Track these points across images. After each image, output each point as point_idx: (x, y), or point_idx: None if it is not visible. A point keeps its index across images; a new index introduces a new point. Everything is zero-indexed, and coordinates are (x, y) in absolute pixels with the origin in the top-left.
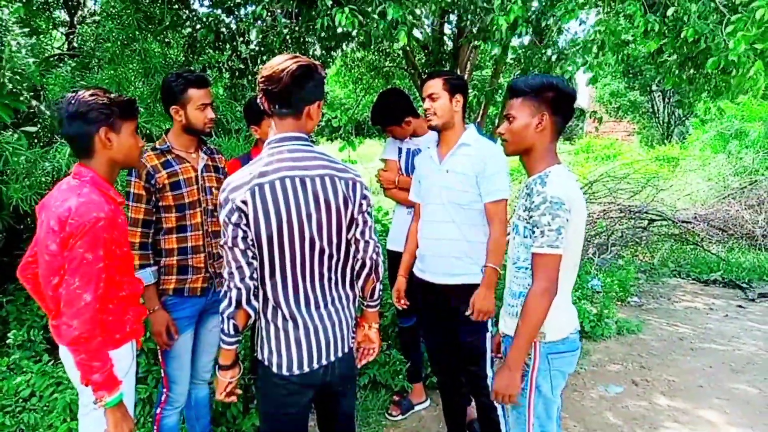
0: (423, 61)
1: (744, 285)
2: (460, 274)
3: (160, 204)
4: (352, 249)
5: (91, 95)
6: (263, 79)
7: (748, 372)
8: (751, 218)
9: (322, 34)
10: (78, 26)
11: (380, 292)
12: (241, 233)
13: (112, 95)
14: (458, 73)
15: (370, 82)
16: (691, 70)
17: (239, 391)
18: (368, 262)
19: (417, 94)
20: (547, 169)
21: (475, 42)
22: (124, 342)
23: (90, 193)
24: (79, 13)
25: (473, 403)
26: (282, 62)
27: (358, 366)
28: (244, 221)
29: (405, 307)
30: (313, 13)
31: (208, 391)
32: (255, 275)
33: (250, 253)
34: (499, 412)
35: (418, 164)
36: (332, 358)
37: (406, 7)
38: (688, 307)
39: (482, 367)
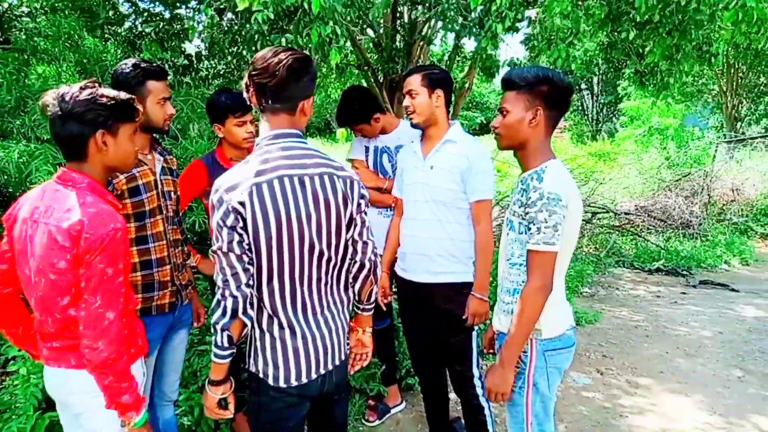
0: (375, 57)
1: (684, 272)
2: (444, 273)
3: None
4: (350, 251)
5: (89, 93)
6: (256, 71)
7: (700, 355)
8: (687, 209)
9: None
10: (6, 19)
11: (376, 295)
12: (236, 237)
13: (111, 93)
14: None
15: (322, 79)
16: (677, 39)
17: (231, 411)
18: (367, 264)
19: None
20: (543, 164)
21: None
22: (137, 357)
23: (97, 203)
24: (5, 4)
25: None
26: (277, 54)
27: (351, 372)
28: (241, 224)
29: (386, 302)
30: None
31: (174, 411)
32: (251, 282)
33: (246, 258)
34: (486, 412)
35: (401, 158)
36: (330, 367)
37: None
38: (636, 296)
39: (468, 366)
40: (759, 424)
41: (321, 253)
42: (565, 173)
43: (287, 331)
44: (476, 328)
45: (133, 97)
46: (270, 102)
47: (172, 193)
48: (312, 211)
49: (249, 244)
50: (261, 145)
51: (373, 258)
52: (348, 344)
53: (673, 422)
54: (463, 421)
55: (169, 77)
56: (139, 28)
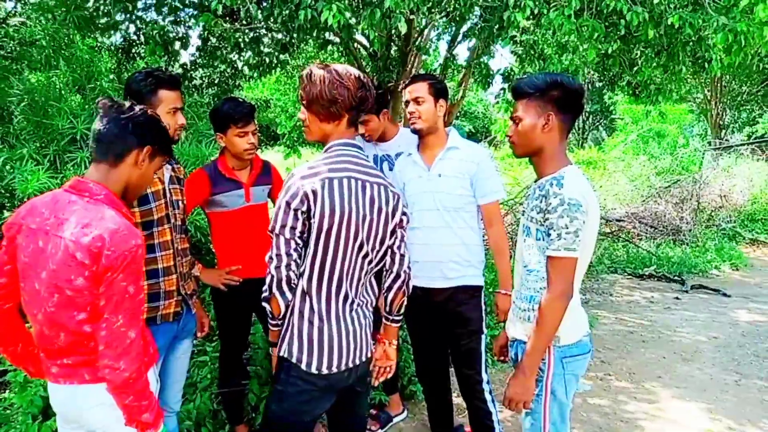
0: (371, 66)
1: (675, 278)
2: (457, 277)
3: None
4: (386, 260)
5: (155, 115)
6: (377, 90)
7: (696, 360)
8: (677, 215)
9: (304, 25)
10: None
11: (405, 308)
12: (291, 221)
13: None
14: (403, 79)
15: None
16: (665, 59)
17: None
18: (402, 275)
19: None
20: (562, 170)
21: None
22: (150, 366)
23: (116, 218)
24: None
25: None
26: (363, 75)
27: (374, 384)
28: (304, 208)
29: None
30: (296, 2)
31: (177, 421)
32: (293, 267)
33: (293, 245)
34: (494, 417)
35: (400, 170)
36: (357, 362)
37: None
38: (630, 301)
39: (478, 370)
40: (757, 427)
41: (366, 254)
42: (584, 180)
43: (325, 322)
44: (485, 332)
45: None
46: (355, 116)
47: (180, 202)
48: (368, 213)
49: (303, 232)
50: (333, 148)
51: (407, 270)
52: (373, 354)
53: (675, 427)
54: (466, 428)
55: (182, 87)
56: (133, 36)
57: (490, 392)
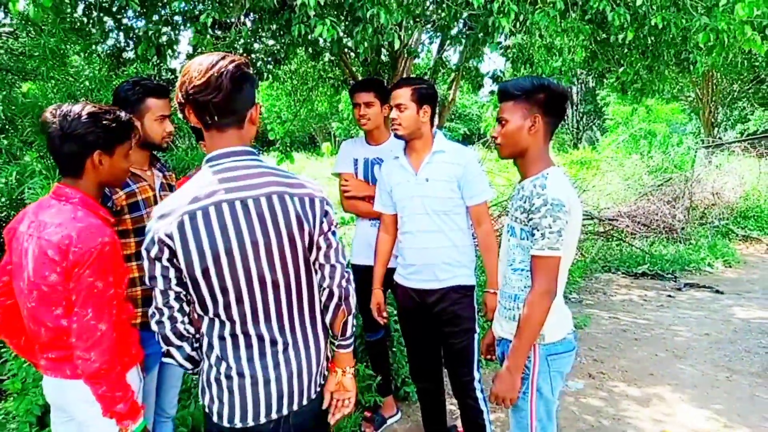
0: (361, 71)
1: (668, 276)
2: (450, 278)
3: (117, 228)
4: (318, 277)
5: (90, 115)
6: (196, 88)
7: (689, 357)
8: (670, 213)
9: (296, 40)
10: None
11: (353, 328)
12: (159, 270)
13: (110, 114)
14: (392, 82)
15: (308, 92)
16: (650, 60)
17: None
18: (336, 291)
19: None
20: (545, 170)
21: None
22: (131, 366)
23: (87, 217)
24: None
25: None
26: (214, 63)
27: (331, 422)
28: (167, 256)
29: (385, 321)
30: (286, 18)
31: (173, 427)
32: (179, 317)
33: (171, 294)
34: (485, 416)
35: (387, 173)
36: (285, 411)
37: (391, 12)
38: (624, 300)
39: (470, 369)
40: (747, 422)
41: (275, 285)
42: (567, 180)
43: (235, 368)
44: (477, 332)
45: (132, 117)
46: (216, 118)
47: None
48: (259, 237)
49: (177, 279)
50: (205, 166)
51: (344, 284)
52: (321, 383)
53: (665, 423)
54: (459, 429)
55: (171, 95)
56: (122, 44)
57: (482, 391)
